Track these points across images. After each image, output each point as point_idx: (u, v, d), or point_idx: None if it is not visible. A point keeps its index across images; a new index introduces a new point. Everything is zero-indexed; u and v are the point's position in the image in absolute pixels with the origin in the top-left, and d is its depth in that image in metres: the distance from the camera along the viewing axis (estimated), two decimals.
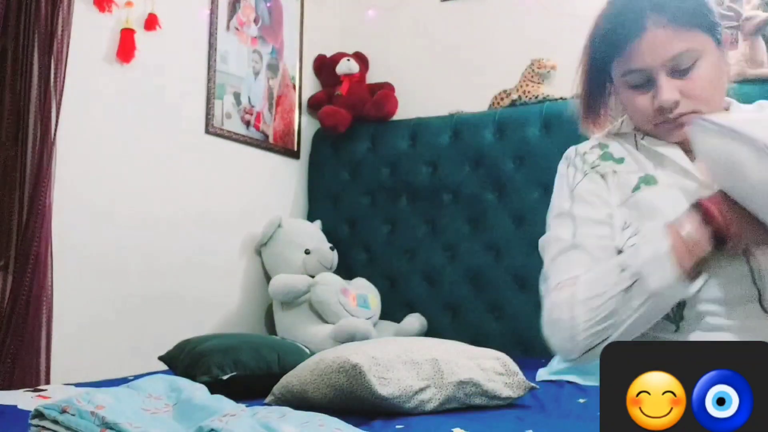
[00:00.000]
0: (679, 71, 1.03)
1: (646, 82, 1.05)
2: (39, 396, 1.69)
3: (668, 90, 1.03)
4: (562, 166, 1.17)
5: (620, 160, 1.12)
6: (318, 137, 3.32)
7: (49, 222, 2.05)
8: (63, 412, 1.19)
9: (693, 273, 0.94)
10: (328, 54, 3.37)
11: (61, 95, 2.09)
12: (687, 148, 1.08)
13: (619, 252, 1.04)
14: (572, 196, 1.11)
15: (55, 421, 1.19)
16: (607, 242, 1.05)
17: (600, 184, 1.10)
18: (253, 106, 2.98)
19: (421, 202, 3.05)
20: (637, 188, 1.07)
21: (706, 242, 0.93)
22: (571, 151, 1.18)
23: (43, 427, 1.19)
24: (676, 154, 1.08)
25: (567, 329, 0.99)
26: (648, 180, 1.07)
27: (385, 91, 3.23)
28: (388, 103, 3.19)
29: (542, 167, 2.82)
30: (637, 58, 1.04)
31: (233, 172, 2.87)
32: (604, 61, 1.09)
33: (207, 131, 2.74)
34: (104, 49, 2.35)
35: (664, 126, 1.06)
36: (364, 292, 2.92)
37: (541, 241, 1.13)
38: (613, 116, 1.18)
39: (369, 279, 3.02)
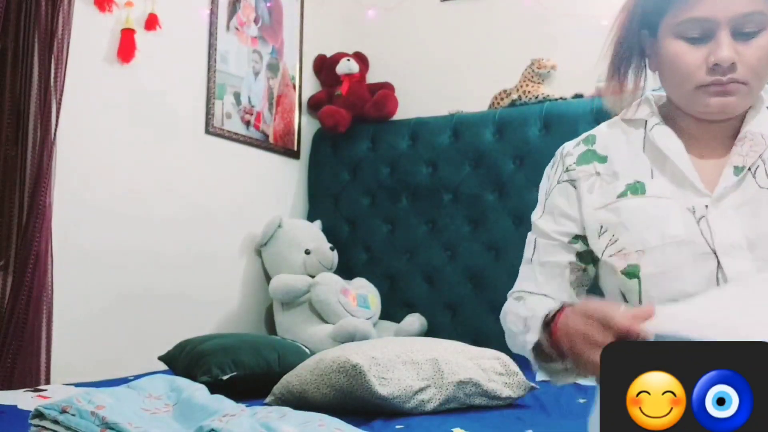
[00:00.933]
0: (741, 34, 0.95)
1: (703, 36, 0.97)
2: (39, 396, 1.69)
3: (728, 48, 0.95)
4: (549, 164, 1.17)
5: (603, 159, 1.08)
6: (318, 137, 3.32)
7: (49, 222, 2.05)
8: (63, 412, 1.19)
9: (558, 371, 0.99)
10: (328, 54, 3.37)
11: (61, 95, 2.09)
12: (697, 144, 1.03)
13: (588, 258, 1.08)
14: (544, 205, 1.14)
15: (55, 421, 1.19)
16: (552, 264, 1.10)
17: (569, 194, 1.09)
18: (253, 106, 2.98)
19: (421, 202, 3.05)
20: (623, 195, 1.03)
21: (552, 352, 0.96)
22: (558, 151, 1.16)
23: (43, 427, 1.20)
24: (679, 155, 1.02)
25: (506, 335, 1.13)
26: (635, 188, 1.02)
27: (385, 91, 3.23)
28: (388, 103, 3.19)
29: (542, 167, 2.78)
30: (703, 5, 0.95)
31: (233, 172, 2.87)
32: (655, 10, 1.01)
33: (207, 131, 2.74)
34: (104, 49, 2.35)
35: (710, 89, 0.97)
36: (364, 292, 2.92)
37: None
38: (639, 83, 1.10)
39: (369, 279, 3.02)
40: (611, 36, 1.09)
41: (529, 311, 1.03)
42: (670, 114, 1.07)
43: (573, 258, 1.08)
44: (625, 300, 1.01)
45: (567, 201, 1.09)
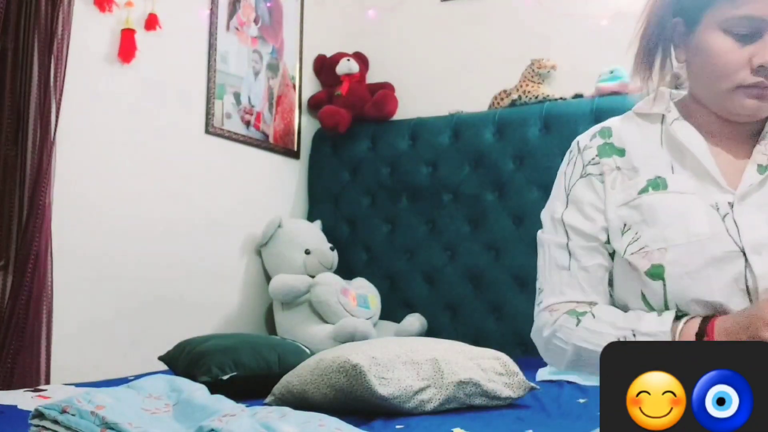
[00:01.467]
0: None
1: (751, 34, 0.93)
2: (39, 396, 1.69)
3: None
4: (563, 162, 1.11)
5: (621, 152, 1.04)
6: (318, 137, 3.32)
7: (49, 222, 2.05)
8: (63, 412, 1.19)
9: None
10: (328, 54, 3.37)
11: (61, 95, 2.09)
12: (714, 141, 1.01)
13: (610, 254, 1.02)
14: (567, 199, 1.06)
15: (55, 421, 1.19)
16: (595, 268, 1.02)
17: (597, 188, 1.04)
18: (253, 106, 2.98)
19: (421, 202, 3.05)
20: (644, 191, 1.00)
21: None
22: (573, 144, 1.10)
23: (43, 427, 1.19)
24: (700, 149, 0.99)
25: (553, 354, 1.04)
26: (657, 184, 0.99)
27: (385, 91, 3.23)
28: (388, 103, 3.19)
29: (542, 167, 2.82)
30: (757, 3, 0.92)
31: (233, 172, 2.87)
32: (699, 1, 0.97)
33: (207, 131, 2.74)
34: (104, 49, 2.35)
35: (750, 90, 0.94)
36: (364, 292, 2.92)
37: (538, 236, 1.10)
38: (665, 76, 1.06)
39: (369, 279, 3.02)
40: (639, 25, 1.04)
41: (622, 326, 0.95)
42: (687, 110, 1.04)
43: (609, 260, 1.03)
44: (646, 302, 0.97)
45: (596, 195, 1.04)
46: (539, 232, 1.11)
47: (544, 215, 1.10)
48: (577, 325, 0.99)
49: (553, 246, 1.06)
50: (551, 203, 1.10)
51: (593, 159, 1.05)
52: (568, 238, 1.04)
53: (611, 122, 1.09)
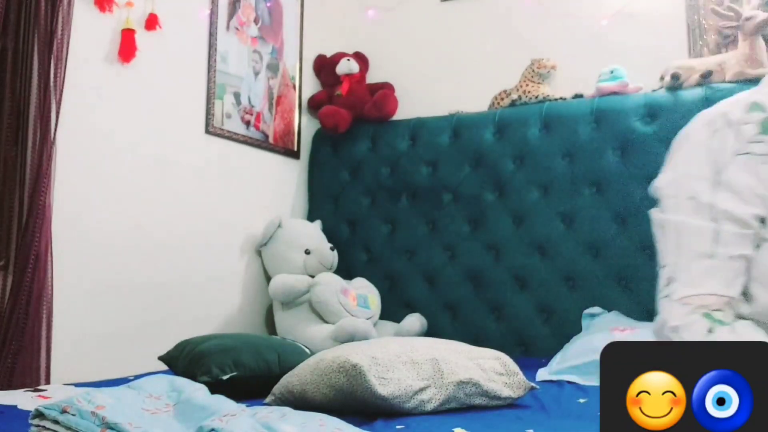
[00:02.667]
0: None
1: None
2: (39, 396, 1.69)
3: None
4: (700, 134, 0.96)
5: None
6: (318, 137, 3.33)
7: (49, 222, 2.05)
8: (63, 412, 1.19)
9: None
10: (328, 54, 3.38)
11: (61, 95, 2.09)
12: None
13: None
14: (717, 181, 0.93)
15: (56, 421, 1.19)
16: (742, 260, 0.92)
17: (760, 171, 0.92)
18: (253, 106, 2.98)
19: (421, 202, 3.05)
20: None
21: None
22: (716, 115, 0.96)
23: (43, 427, 1.20)
24: None
25: None
26: None
27: (385, 91, 3.23)
28: (388, 103, 3.19)
29: (542, 167, 2.82)
30: None
31: (233, 172, 2.87)
32: None
33: (207, 131, 2.74)
34: (104, 49, 2.35)
35: None
36: (364, 292, 2.92)
37: (662, 218, 0.97)
38: None
39: (369, 279, 3.02)
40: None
41: None
42: None
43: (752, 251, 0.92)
44: None
45: (757, 178, 0.92)
46: (660, 212, 0.98)
47: (673, 191, 0.97)
48: (709, 331, 0.89)
49: (693, 231, 0.94)
50: (687, 181, 0.96)
51: (754, 136, 0.93)
52: (719, 224, 0.92)
53: (750, 95, 0.98)
